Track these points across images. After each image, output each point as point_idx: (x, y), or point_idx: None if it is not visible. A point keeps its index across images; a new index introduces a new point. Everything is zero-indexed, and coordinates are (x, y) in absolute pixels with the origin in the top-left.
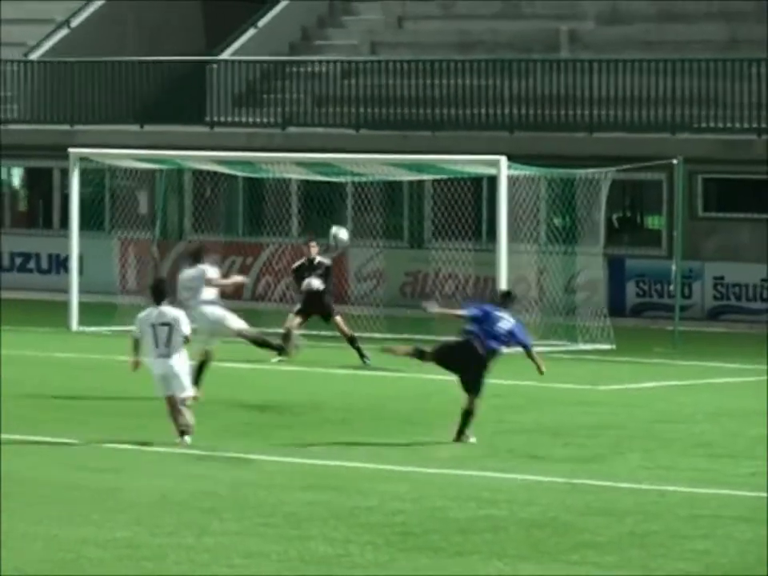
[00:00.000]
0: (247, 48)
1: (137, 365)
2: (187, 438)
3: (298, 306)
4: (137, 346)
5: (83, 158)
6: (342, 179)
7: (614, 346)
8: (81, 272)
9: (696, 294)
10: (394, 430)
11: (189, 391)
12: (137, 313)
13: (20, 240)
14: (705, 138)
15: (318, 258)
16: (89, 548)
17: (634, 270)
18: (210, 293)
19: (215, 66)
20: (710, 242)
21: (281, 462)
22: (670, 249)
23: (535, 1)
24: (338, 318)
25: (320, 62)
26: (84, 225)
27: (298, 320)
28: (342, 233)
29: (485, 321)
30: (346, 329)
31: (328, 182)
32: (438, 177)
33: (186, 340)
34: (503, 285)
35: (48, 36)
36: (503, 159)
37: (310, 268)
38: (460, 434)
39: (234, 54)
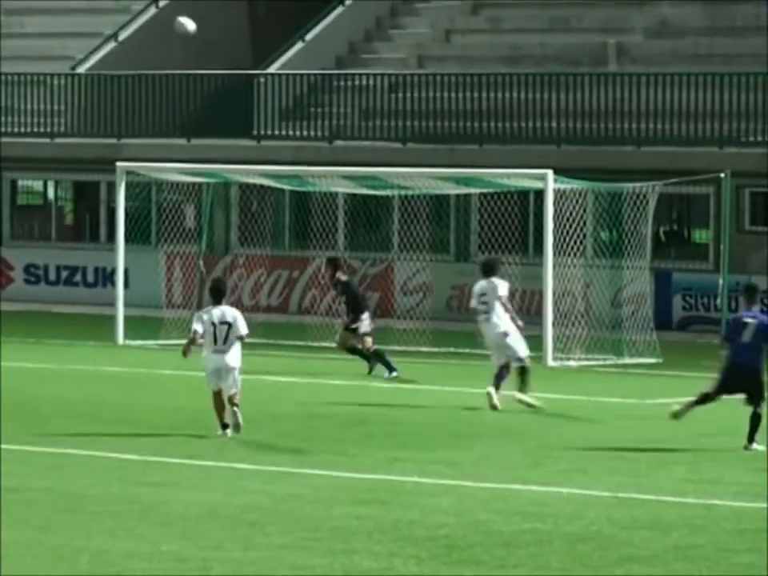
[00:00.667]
0: (294, 62)
1: (187, 352)
2: (229, 432)
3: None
4: (194, 339)
5: (130, 172)
6: (388, 193)
7: (660, 360)
8: (127, 285)
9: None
10: (438, 444)
11: (236, 389)
12: (183, 326)
13: (67, 253)
14: (752, 152)
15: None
16: (135, 562)
17: (681, 283)
18: None
19: (262, 79)
20: (757, 256)
21: (326, 476)
22: (716, 262)
23: (583, 14)
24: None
25: (367, 75)
26: (130, 238)
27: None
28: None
29: (735, 332)
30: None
31: (375, 196)
32: (484, 190)
33: (242, 339)
34: (549, 299)
35: (95, 50)
36: (550, 173)
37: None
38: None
39: (281, 67)
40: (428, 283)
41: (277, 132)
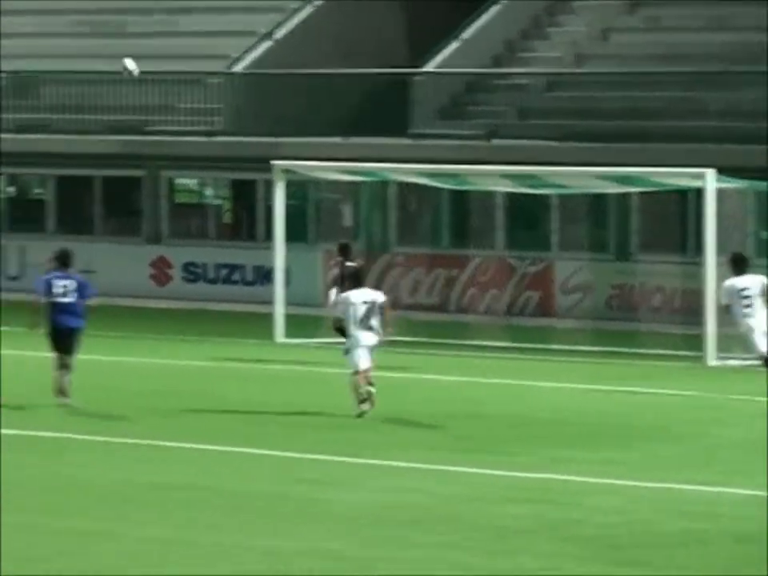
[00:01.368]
0: (451, 60)
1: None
2: (365, 406)
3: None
4: (339, 321)
5: (287, 170)
6: (546, 192)
7: None
8: (286, 284)
9: None
10: (601, 444)
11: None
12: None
13: (225, 251)
14: None
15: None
16: (299, 560)
17: None
18: None
19: (419, 78)
20: None
21: (488, 475)
22: None
23: (741, 12)
24: None
25: (524, 74)
26: (288, 237)
27: None
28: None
29: None
30: None
31: (533, 195)
32: (643, 189)
33: (382, 311)
34: (710, 298)
35: (251, 48)
36: (710, 172)
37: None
38: None
39: (438, 66)
40: (587, 282)
41: (434, 131)
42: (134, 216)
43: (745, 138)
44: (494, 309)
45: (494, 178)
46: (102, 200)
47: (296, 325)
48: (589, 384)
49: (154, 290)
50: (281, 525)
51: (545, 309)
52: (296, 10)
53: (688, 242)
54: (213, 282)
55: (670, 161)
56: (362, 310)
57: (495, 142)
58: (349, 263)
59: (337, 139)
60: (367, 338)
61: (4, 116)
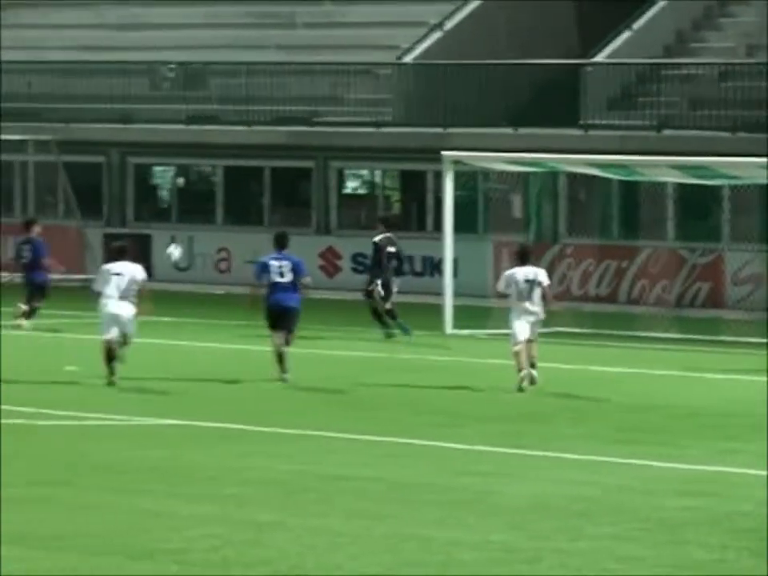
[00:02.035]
0: (622, 51)
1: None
2: (525, 383)
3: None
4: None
5: (456, 161)
6: (717, 182)
7: None
8: (455, 275)
9: None
10: None
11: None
12: (510, 316)
13: None
14: None
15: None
16: (461, 550)
17: None
18: None
19: (590, 68)
20: None
21: (656, 467)
22: None
23: None
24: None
25: (696, 64)
26: (457, 228)
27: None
28: (175, 251)
29: None
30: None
31: (704, 186)
32: None
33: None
34: None
35: (421, 39)
36: None
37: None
38: None
39: (608, 56)
40: (759, 273)
41: (604, 121)
42: (303, 207)
43: None
44: (663, 300)
45: (663, 169)
46: (271, 191)
47: (465, 316)
48: (758, 376)
49: (323, 281)
50: (447, 516)
51: (715, 300)
52: (466, 1)
53: None
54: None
55: None
56: (523, 286)
57: (666, 132)
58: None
59: (507, 130)
60: (526, 314)
61: (173, 107)
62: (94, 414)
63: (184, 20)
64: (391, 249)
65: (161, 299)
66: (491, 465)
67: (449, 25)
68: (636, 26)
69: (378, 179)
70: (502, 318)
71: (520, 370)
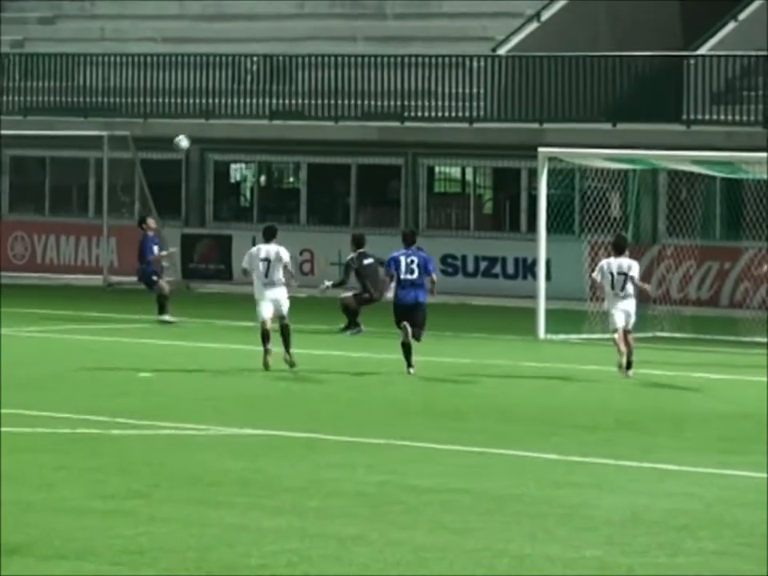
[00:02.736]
0: (727, 43)
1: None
2: (630, 373)
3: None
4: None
5: (552, 158)
6: None
7: None
8: (549, 277)
9: None
10: None
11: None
12: (606, 320)
13: (485, 243)
14: None
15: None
16: (556, 567)
17: None
18: None
19: (693, 61)
20: None
21: (757, 478)
22: None
23: None
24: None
25: None
26: (552, 228)
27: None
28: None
29: None
30: None
31: None
32: None
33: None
34: None
35: (517, 30)
36: None
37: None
38: None
39: (712, 48)
40: None
41: (707, 116)
42: (391, 206)
43: None
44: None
45: None
46: (358, 189)
47: (559, 320)
48: None
49: None
50: (538, 530)
51: None
52: None
53: None
54: (472, 275)
55: None
56: (617, 278)
57: None
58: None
59: (605, 125)
60: (623, 304)
61: (257, 101)
62: (170, 423)
63: (268, 11)
64: (368, 261)
65: (242, 302)
66: (585, 476)
67: (546, 15)
68: (741, 16)
69: (469, 177)
70: (598, 323)
71: (619, 366)
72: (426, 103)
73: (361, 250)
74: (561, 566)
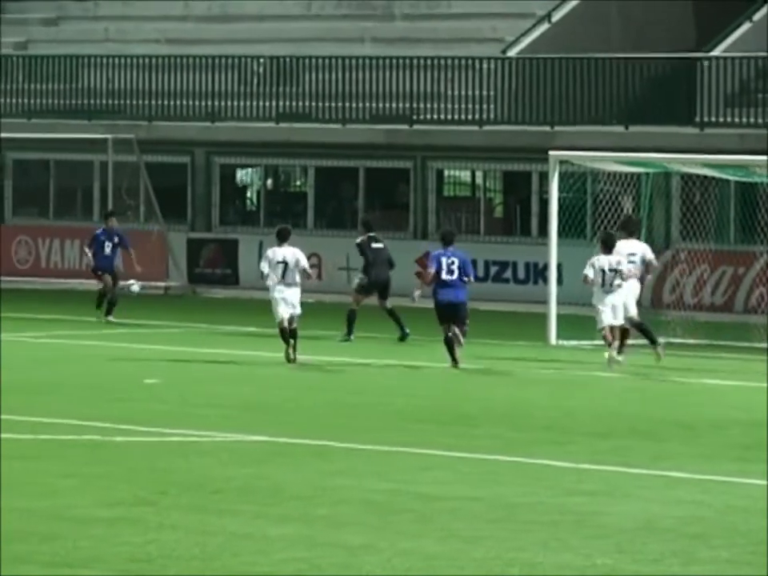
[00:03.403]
0: (741, 44)
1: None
2: (619, 357)
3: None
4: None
5: (564, 161)
6: None
7: None
8: (560, 282)
9: None
10: None
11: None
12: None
13: (495, 248)
14: None
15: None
16: (567, 574)
17: None
18: None
19: (706, 62)
20: None
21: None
22: None
23: None
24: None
25: None
26: (564, 232)
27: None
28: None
29: None
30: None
31: None
32: None
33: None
34: None
35: (527, 31)
36: None
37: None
38: None
39: (726, 50)
40: None
41: (721, 119)
42: (400, 210)
43: None
44: None
45: None
46: (366, 193)
47: (571, 326)
48: None
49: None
50: (550, 538)
51: None
52: None
53: None
54: (482, 279)
55: None
56: (608, 275)
57: None
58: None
59: (617, 128)
60: (610, 298)
61: (263, 104)
62: (176, 430)
63: (275, 11)
64: (377, 245)
65: (247, 308)
66: (597, 483)
67: (556, 16)
68: (756, 17)
69: (479, 180)
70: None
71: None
72: (435, 106)
73: (370, 234)
74: (571, 574)
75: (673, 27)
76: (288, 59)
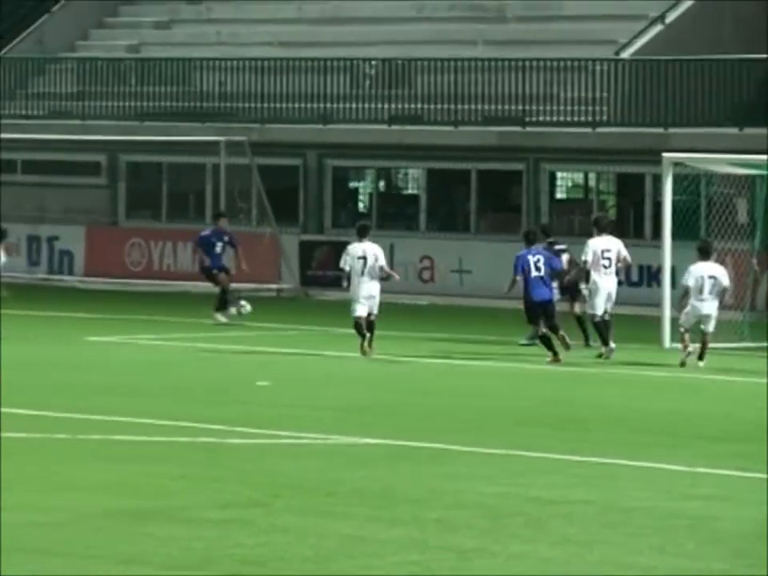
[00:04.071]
0: None
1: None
2: (700, 363)
3: None
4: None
5: (677, 163)
6: None
7: None
8: (674, 285)
9: None
10: None
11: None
12: (732, 329)
13: None
14: None
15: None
16: None
17: None
18: None
19: None
20: None
21: None
22: None
23: None
24: None
25: None
26: (677, 234)
27: None
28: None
29: None
30: None
31: None
32: None
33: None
34: None
35: (641, 33)
36: None
37: None
38: None
39: None
40: None
41: None
42: (512, 212)
43: None
44: None
45: None
46: (478, 195)
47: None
48: None
49: None
50: (665, 543)
51: None
52: None
53: None
54: None
55: None
56: (707, 282)
57: None
58: None
59: (732, 129)
60: (706, 307)
61: (375, 106)
62: (288, 432)
63: (387, 14)
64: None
65: None
66: (713, 488)
67: (670, 17)
68: None
69: (592, 183)
70: (723, 332)
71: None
72: (548, 107)
73: (549, 240)
74: None
75: None
76: (400, 61)
